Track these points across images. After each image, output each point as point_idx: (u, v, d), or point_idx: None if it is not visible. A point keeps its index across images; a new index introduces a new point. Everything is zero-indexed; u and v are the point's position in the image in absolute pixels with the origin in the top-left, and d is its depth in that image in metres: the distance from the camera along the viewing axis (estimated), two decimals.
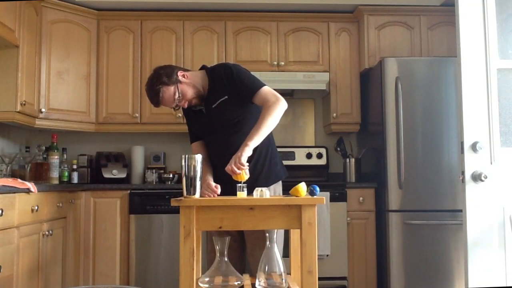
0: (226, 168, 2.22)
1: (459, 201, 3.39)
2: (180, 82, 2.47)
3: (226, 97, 2.46)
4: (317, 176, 4.20)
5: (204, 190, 2.31)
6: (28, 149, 3.93)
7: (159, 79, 2.45)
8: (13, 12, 3.21)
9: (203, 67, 2.61)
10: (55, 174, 3.87)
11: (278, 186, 2.57)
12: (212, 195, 2.31)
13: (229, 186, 2.28)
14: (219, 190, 2.33)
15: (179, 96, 2.46)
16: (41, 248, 2.94)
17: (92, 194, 3.72)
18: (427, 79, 3.66)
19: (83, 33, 4.01)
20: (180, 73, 2.49)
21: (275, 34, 4.15)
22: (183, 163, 2.04)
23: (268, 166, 2.51)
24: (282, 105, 2.38)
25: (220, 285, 1.97)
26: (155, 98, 2.47)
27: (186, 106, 2.51)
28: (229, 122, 2.47)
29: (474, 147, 2.56)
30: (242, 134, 2.37)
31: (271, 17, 4.15)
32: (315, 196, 2.06)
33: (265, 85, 2.46)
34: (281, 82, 4.04)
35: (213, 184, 2.37)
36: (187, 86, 2.48)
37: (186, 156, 2.05)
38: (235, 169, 2.18)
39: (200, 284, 2.01)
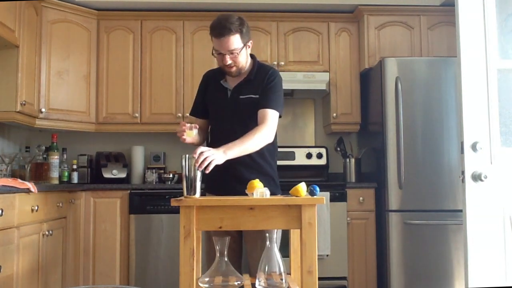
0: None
1: (459, 201, 3.39)
2: (249, 46, 2.44)
3: (257, 96, 2.42)
4: (317, 176, 4.20)
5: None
6: (28, 149, 3.92)
7: (242, 23, 2.36)
8: (13, 12, 3.21)
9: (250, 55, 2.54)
10: (55, 174, 3.87)
11: None
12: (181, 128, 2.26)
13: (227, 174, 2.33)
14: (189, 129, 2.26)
15: (235, 55, 2.35)
16: (41, 248, 2.94)
17: (92, 194, 3.72)
18: (427, 79, 3.66)
19: (83, 33, 4.00)
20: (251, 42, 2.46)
21: (275, 34, 4.15)
22: (183, 163, 2.04)
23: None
24: (268, 134, 2.34)
25: (220, 285, 1.97)
26: (225, 30, 2.31)
27: (228, 63, 2.36)
28: (242, 119, 2.43)
29: (474, 147, 2.55)
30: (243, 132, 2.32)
31: (271, 17, 4.15)
32: (315, 196, 2.06)
33: (278, 111, 2.40)
34: None
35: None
36: (247, 56, 2.45)
37: (186, 156, 2.04)
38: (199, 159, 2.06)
39: (200, 284, 2.01)
